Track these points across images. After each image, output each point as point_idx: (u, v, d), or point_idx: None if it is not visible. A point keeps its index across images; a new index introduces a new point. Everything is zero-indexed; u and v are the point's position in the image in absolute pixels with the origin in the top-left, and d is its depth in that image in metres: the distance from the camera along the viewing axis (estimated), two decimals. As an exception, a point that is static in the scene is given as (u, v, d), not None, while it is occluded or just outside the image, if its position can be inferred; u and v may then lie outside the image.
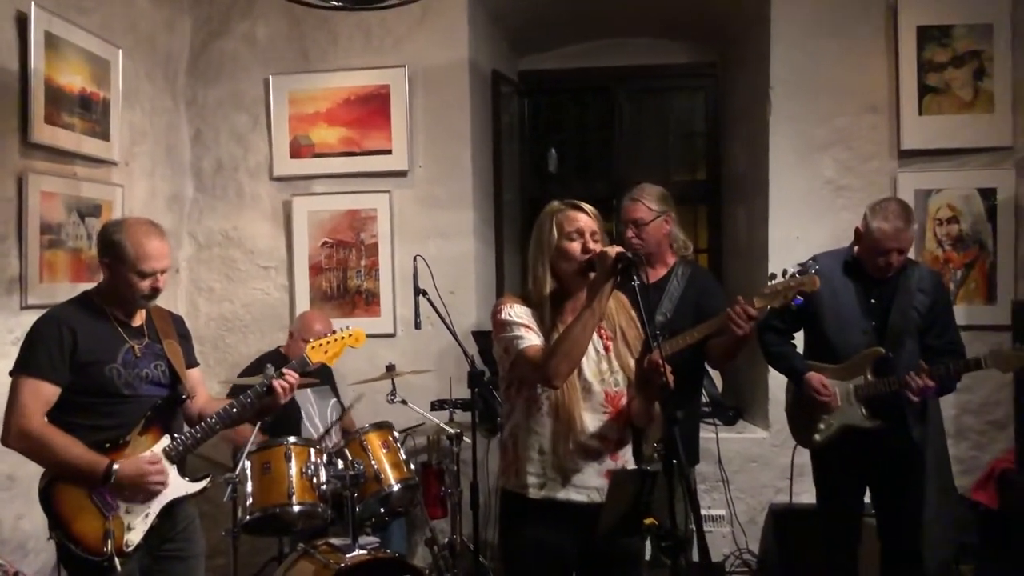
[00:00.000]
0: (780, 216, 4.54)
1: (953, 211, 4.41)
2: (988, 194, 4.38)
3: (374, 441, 3.75)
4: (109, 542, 2.64)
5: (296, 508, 3.42)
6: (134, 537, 2.73)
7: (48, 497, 2.70)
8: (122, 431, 2.77)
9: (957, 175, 4.41)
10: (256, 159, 4.84)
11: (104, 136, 4.00)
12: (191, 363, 3.05)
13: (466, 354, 4.00)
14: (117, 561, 2.65)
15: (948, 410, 4.31)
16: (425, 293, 4.06)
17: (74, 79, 3.79)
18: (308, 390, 4.18)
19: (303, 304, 4.74)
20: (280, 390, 2.89)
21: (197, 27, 4.85)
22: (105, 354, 2.77)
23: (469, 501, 4.01)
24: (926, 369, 3.20)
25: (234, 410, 2.89)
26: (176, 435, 2.86)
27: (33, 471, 2.78)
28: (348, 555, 3.32)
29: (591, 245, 2.53)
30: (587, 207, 2.60)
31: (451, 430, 4.10)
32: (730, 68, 5.56)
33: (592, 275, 2.48)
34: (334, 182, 4.78)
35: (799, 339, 3.65)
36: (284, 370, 2.94)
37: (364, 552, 3.36)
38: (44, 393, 2.69)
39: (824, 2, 4.49)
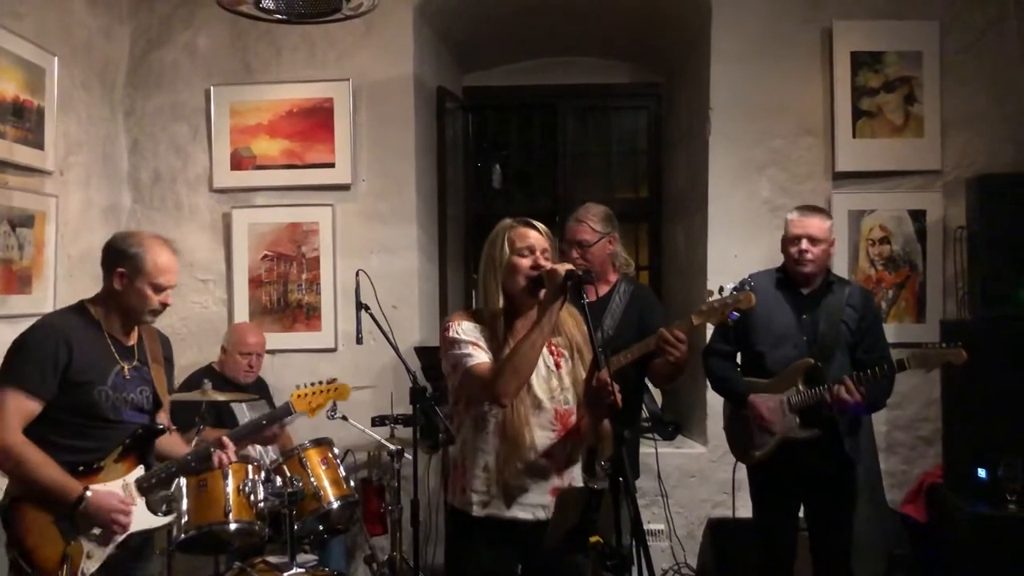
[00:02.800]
0: (718, 234, 4.62)
1: (885, 232, 4.54)
2: (918, 216, 4.52)
3: (313, 457, 3.70)
4: (65, 567, 2.58)
5: (233, 526, 3.34)
6: (91, 566, 2.67)
7: (11, 514, 2.64)
8: (98, 455, 2.73)
9: (889, 197, 4.55)
10: (195, 171, 4.76)
11: (38, 145, 3.90)
12: (169, 389, 3.04)
13: (408, 370, 3.98)
14: None
15: (879, 426, 4.41)
16: (367, 308, 4.03)
17: (7, 86, 3.68)
18: (243, 404, 4.13)
19: (242, 318, 4.67)
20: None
21: (136, 36, 4.76)
22: (97, 375, 2.72)
23: (409, 518, 3.99)
24: (853, 378, 3.29)
25: (187, 460, 2.94)
26: (151, 467, 2.84)
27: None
28: (286, 573, 3.27)
29: (541, 262, 2.54)
30: (539, 225, 2.62)
31: (392, 446, 4.07)
32: (672, 88, 5.66)
33: (542, 293, 2.50)
34: (275, 195, 4.73)
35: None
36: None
37: (302, 570, 3.31)
38: (26, 408, 2.64)
39: (762, 27, 4.60)
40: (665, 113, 5.79)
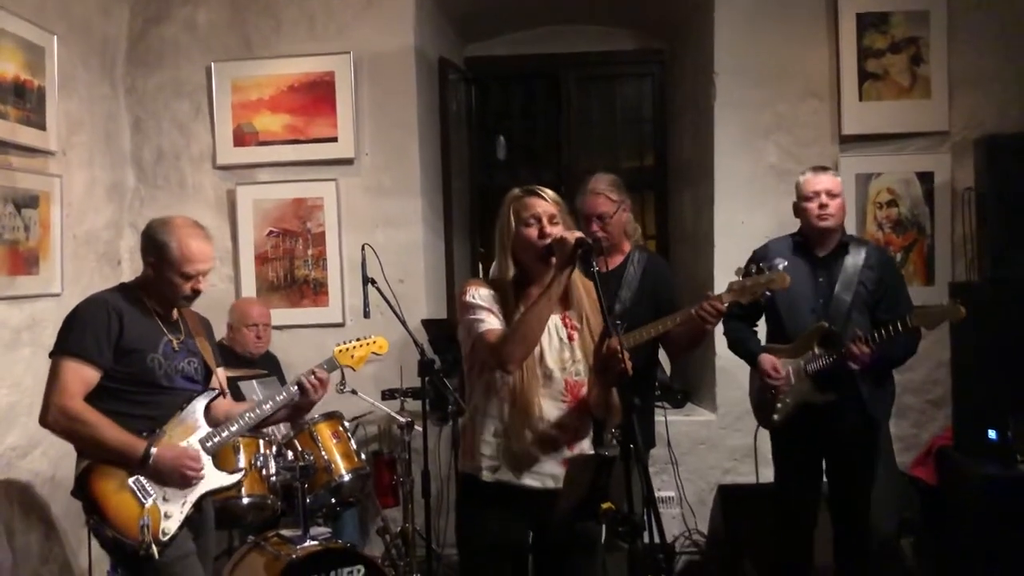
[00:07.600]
0: (725, 201, 4.60)
1: (892, 195, 4.51)
2: (926, 178, 4.48)
3: (324, 431, 3.73)
4: (146, 530, 2.64)
5: (245, 500, 3.38)
6: (171, 525, 2.73)
7: (86, 482, 2.70)
8: (157, 423, 2.80)
9: (896, 159, 4.51)
10: (199, 148, 4.75)
11: (40, 125, 3.88)
12: (216, 363, 3.08)
13: (416, 343, 3.99)
14: (155, 549, 2.64)
15: (889, 389, 4.42)
16: (374, 282, 4.03)
17: (7, 66, 3.67)
18: (254, 381, 4.14)
19: (249, 295, 4.66)
20: (310, 387, 2.96)
21: (135, 13, 4.72)
22: (147, 343, 2.81)
23: (421, 489, 4.01)
24: (860, 335, 3.28)
25: (267, 406, 2.95)
26: (212, 427, 2.89)
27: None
28: (299, 546, 3.30)
29: (548, 229, 2.54)
30: (547, 192, 2.61)
31: (402, 419, 4.09)
32: (676, 55, 5.60)
33: (554, 260, 2.50)
34: (279, 170, 4.71)
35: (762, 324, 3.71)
36: (313, 369, 3.00)
37: (315, 543, 3.35)
38: (86, 376, 2.72)
39: (766, -11, 4.55)
40: (669, 80, 5.73)
